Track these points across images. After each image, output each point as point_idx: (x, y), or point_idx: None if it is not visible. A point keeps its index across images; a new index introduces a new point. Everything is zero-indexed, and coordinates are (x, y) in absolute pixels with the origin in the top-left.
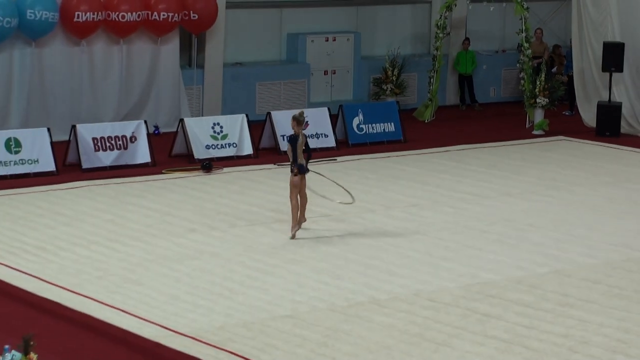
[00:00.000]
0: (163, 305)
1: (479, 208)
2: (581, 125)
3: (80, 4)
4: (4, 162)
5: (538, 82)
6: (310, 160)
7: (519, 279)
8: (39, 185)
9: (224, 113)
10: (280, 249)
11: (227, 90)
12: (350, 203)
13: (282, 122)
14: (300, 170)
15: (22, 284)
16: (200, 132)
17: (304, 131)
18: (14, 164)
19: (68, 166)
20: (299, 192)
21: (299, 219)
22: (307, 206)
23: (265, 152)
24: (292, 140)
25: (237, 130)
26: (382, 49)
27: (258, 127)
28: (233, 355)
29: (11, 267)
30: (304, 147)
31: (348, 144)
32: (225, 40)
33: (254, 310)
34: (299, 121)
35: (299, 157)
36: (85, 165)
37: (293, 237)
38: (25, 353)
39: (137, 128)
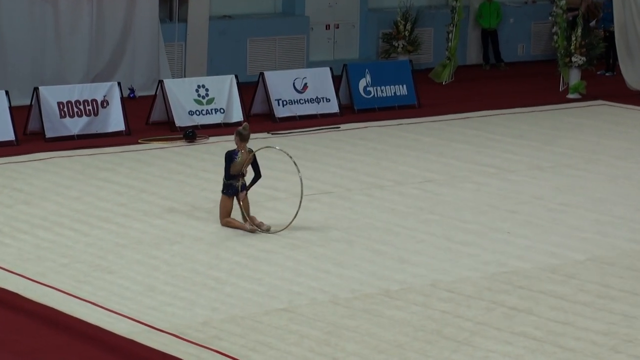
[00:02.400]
0: (138, 297)
1: (505, 184)
2: (623, 88)
3: None
4: None
5: (574, 38)
6: (258, 180)
7: (553, 268)
8: None
9: (209, 74)
10: (275, 232)
11: (213, 47)
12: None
13: (277, 84)
14: (227, 190)
15: None
16: (182, 96)
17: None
18: None
19: (29, 135)
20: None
21: (250, 221)
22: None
23: (257, 118)
24: (227, 156)
25: (224, 93)
26: (393, 0)
27: (249, 89)
28: (219, 355)
29: None
30: (249, 166)
31: (353, 110)
32: None
33: (243, 303)
34: (242, 136)
35: (232, 177)
36: (49, 134)
37: (267, 229)
38: None
39: (110, 91)
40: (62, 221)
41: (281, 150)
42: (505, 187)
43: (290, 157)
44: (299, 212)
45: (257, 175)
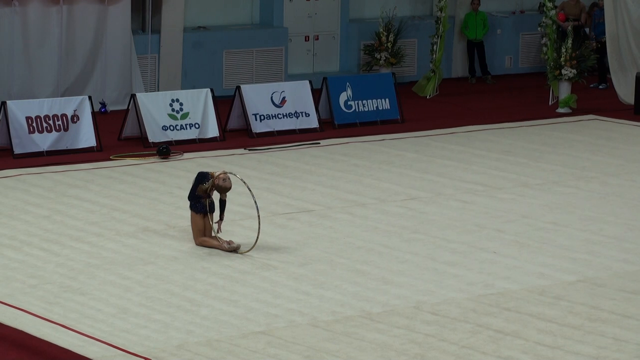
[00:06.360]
0: (111, 320)
1: (492, 202)
2: (616, 102)
3: None
4: None
5: (564, 50)
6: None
7: (541, 289)
8: None
9: (184, 87)
10: (252, 252)
11: (187, 59)
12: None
13: (254, 98)
14: (196, 207)
15: None
16: (155, 111)
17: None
18: None
19: None
20: (204, 232)
21: (220, 241)
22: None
23: (233, 134)
24: (199, 176)
25: (199, 108)
26: (374, 10)
27: (225, 104)
28: None
29: None
30: (212, 196)
31: (334, 125)
32: (186, 0)
33: (220, 325)
34: (220, 188)
35: (196, 196)
36: (17, 150)
37: (237, 247)
38: None
39: (80, 105)
40: (32, 241)
41: (239, 177)
42: (492, 205)
43: (245, 183)
44: (259, 236)
45: (221, 201)
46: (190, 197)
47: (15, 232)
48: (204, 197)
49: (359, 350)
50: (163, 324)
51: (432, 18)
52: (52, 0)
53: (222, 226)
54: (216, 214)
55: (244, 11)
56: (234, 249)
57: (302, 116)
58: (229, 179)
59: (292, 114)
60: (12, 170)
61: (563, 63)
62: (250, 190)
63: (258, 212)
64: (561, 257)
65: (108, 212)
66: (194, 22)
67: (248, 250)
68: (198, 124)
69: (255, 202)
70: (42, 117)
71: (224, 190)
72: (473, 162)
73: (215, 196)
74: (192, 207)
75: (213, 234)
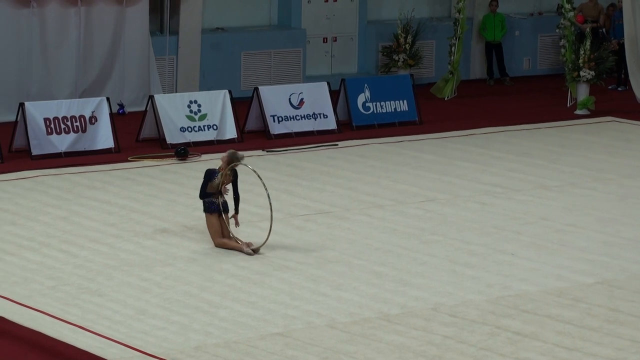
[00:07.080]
0: (129, 321)
1: (510, 204)
2: (634, 104)
3: None
4: None
5: (582, 52)
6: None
7: (559, 291)
8: None
9: (202, 89)
10: (270, 254)
11: (205, 61)
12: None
13: (272, 99)
14: (210, 207)
15: None
16: (173, 112)
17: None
18: None
19: (15, 152)
20: (221, 232)
21: (240, 243)
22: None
23: (251, 135)
24: (207, 173)
25: (218, 109)
26: (392, 12)
27: (243, 105)
28: None
29: None
30: (228, 186)
31: (352, 126)
32: (204, 1)
33: (238, 327)
34: (232, 159)
35: (208, 195)
36: (35, 152)
37: (257, 249)
38: None
39: (98, 107)
40: (50, 242)
41: (251, 169)
42: (510, 207)
43: (260, 177)
44: (270, 235)
45: (235, 195)
46: (202, 197)
47: (33, 233)
48: (216, 195)
49: (377, 352)
50: (181, 325)
51: (450, 20)
52: (70, 1)
53: (239, 227)
54: (231, 212)
55: (262, 12)
56: (253, 252)
57: (320, 118)
58: (232, 150)
59: (310, 116)
60: (30, 172)
61: (581, 65)
62: (260, 179)
63: (270, 205)
64: (579, 259)
65: (126, 214)
66: (212, 23)
67: (261, 245)
68: (216, 125)
69: (268, 195)
70: (60, 118)
71: (234, 159)
72: (491, 163)
73: (229, 197)
74: (206, 209)
75: (231, 236)
